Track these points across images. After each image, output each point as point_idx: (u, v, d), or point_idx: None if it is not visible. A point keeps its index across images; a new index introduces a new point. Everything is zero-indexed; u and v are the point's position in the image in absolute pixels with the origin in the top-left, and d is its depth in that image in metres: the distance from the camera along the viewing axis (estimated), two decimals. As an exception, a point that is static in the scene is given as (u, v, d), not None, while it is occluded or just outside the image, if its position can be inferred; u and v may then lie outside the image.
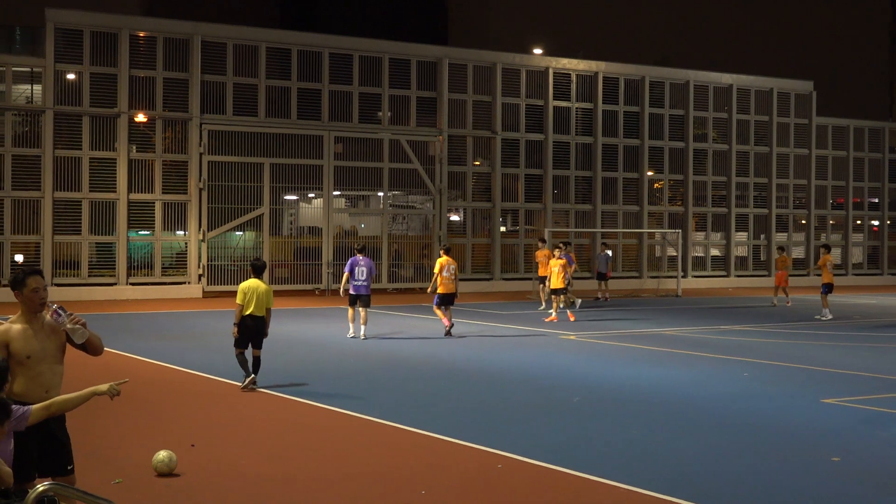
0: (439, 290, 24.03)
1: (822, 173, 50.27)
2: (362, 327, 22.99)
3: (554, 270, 28.23)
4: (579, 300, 31.79)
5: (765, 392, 16.13)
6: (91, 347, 7.85)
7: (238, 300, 15.97)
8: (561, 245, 29.93)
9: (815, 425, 13.39)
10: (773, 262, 40.23)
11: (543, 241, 32.76)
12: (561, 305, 28.31)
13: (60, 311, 7.64)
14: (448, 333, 23.72)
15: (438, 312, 24.16)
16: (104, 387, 7.33)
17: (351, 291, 23.03)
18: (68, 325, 7.65)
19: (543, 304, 31.35)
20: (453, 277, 24.32)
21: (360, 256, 23.19)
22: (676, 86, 46.46)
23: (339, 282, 23.85)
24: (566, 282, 28.40)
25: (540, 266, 31.83)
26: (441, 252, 24.80)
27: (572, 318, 27.90)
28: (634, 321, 28.46)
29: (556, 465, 10.90)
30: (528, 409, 14.46)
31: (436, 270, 24.14)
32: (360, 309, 22.98)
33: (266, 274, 18.16)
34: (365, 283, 22.91)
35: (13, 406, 7.02)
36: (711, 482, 10.39)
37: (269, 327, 16.25)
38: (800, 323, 28.50)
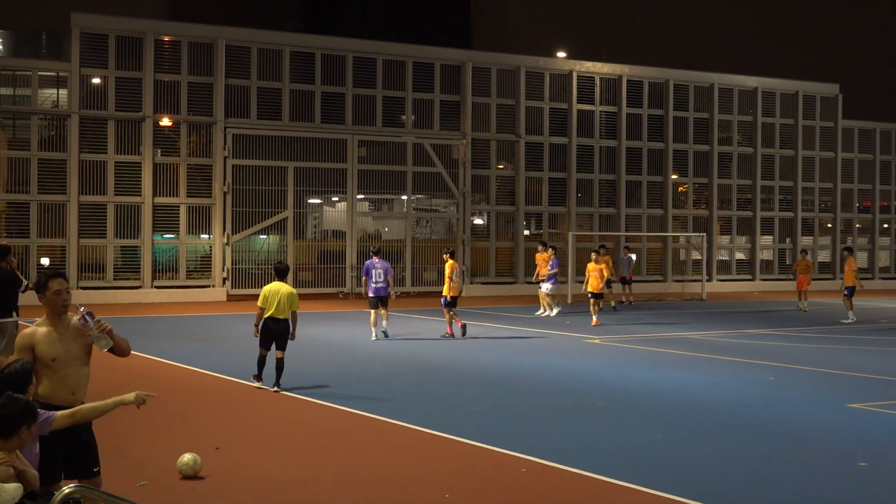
0: (452, 293, 24.31)
1: (849, 176, 49.98)
2: (384, 323, 23.47)
3: (594, 274, 28.12)
4: (557, 308, 31.25)
5: (790, 396, 16.03)
6: (118, 350, 7.89)
7: (259, 303, 16.10)
8: (601, 249, 31.31)
9: (841, 430, 13.29)
10: (794, 266, 39.87)
11: (545, 244, 32.70)
12: (600, 307, 28.08)
13: (88, 318, 7.68)
14: (464, 333, 24.00)
15: (449, 315, 24.30)
16: (130, 396, 7.36)
17: (370, 294, 23.39)
18: (95, 332, 7.69)
19: (543, 308, 31.24)
20: (458, 280, 25.03)
21: (375, 259, 23.64)
22: (701, 89, 46.29)
23: (363, 285, 24.06)
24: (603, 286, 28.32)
25: (539, 268, 31.66)
26: (447, 256, 24.99)
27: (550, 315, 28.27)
28: (659, 325, 28.36)
29: (580, 468, 10.86)
30: (551, 412, 14.43)
31: (448, 273, 24.30)
32: (382, 311, 23.43)
33: (290, 277, 18.19)
34: (383, 285, 23.33)
35: (39, 410, 7.05)
36: (735, 487, 10.33)
37: (296, 330, 16.28)
38: (825, 327, 28.32)
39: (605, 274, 29.20)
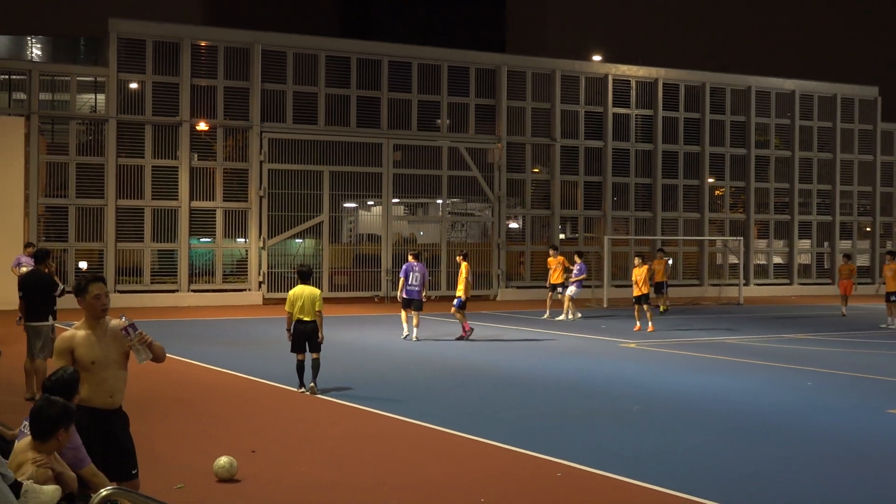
0: (466, 295, 24.98)
1: (888, 180, 49.50)
2: (415, 329, 24.10)
3: (639, 280, 27.67)
4: (578, 313, 31.23)
5: (828, 402, 15.90)
6: (154, 358, 7.95)
7: (286, 307, 16.22)
8: (659, 253, 32.93)
9: (881, 436, 13.16)
10: (837, 271, 39.56)
11: (556, 248, 32.67)
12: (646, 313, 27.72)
13: (130, 330, 7.75)
14: (469, 337, 24.49)
15: (460, 316, 24.78)
16: None
17: (404, 295, 24.22)
18: (136, 345, 7.76)
19: (548, 312, 31.19)
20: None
21: (414, 262, 24.36)
22: (738, 92, 46.03)
23: (399, 287, 24.49)
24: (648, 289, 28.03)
25: (551, 273, 31.59)
26: (461, 258, 25.59)
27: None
28: (695, 329, 28.20)
29: (616, 473, 10.81)
30: (587, 417, 14.37)
31: (467, 276, 24.78)
32: (413, 313, 24.11)
33: (324, 281, 18.20)
34: (417, 289, 24.11)
35: (79, 442, 7.13)
36: (773, 493, 10.25)
37: (324, 332, 16.28)
38: (864, 332, 28.07)
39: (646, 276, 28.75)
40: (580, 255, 32.06)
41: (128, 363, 7.92)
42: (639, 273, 27.62)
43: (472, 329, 24.74)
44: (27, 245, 25.04)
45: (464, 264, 25.39)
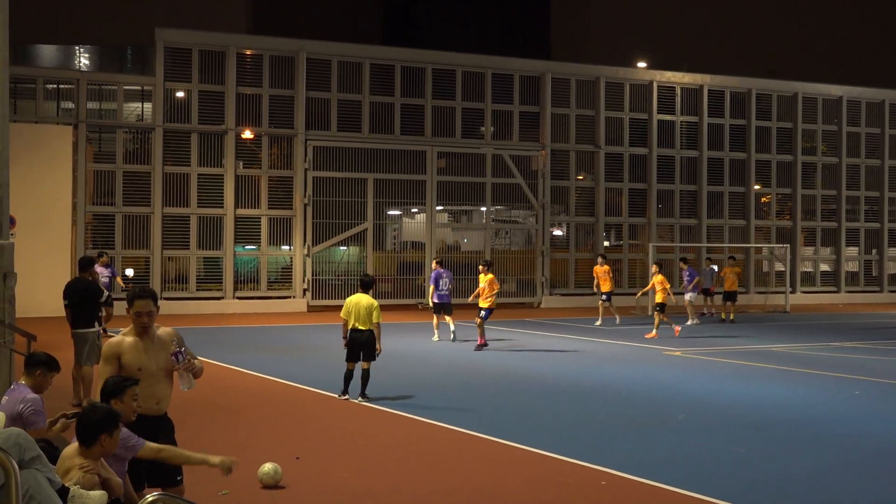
0: (493, 306, 24.28)
1: (937, 186, 48.90)
2: (453, 330, 25.30)
3: (658, 287, 28.06)
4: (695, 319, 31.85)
5: (877, 411, 15.71)
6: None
7: (342, 314, 16.23)
8: (730, 261, 33.86)
9: (931, 445, 12.99)
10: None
11: (604, 256, 32.95)
12: (664, 321, 27.89)
13: (179, 356, 7.83)
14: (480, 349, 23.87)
15: (482, 328, 24.07)
16: (217, 459, 7.53)
17: (435, 300, 25.54)
18: (182, 372, 7.85)
19: (601, 319, 31.34)
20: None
21: (441, 269, 25.69)
22: (784, 98, 45.67)
23: (429, 294, 25.59)
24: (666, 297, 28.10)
25: (599, 281, 31.62)
26: (485, 269, 24.59)
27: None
28: (741, 337, 27.99)
29: (660, 482, 10.74)
30: (631, 425, 14.29)
31: (495, 286, 24.36)
32: (446, 317, 25.45)
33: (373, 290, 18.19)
34: (447, 293, 25.52)
35: (126, 431, 7.17)
36: (818, 501, 10.14)
37: (380, 343, 16.27)
38: (913, 340, 27.75)
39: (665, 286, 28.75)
40: (685, 261, 33.22)
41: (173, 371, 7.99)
42: (659, 280, 28.13)
43: (486, 344, 23.97)
44: (99, 255, 25.97)
45: (490, 276, 24.32)
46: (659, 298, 27.80)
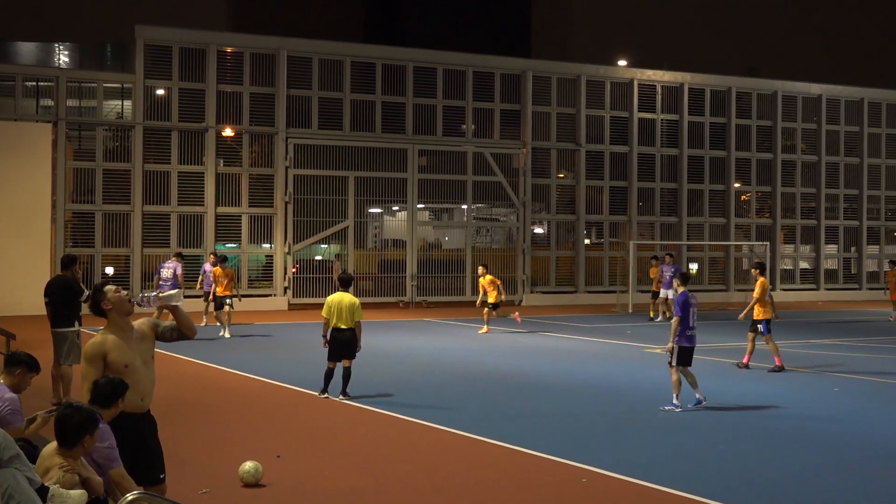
0: (499, 300, 27.95)
1: (915, 184, 49.20)
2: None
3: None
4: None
5: (855, 408, 15.80)
6: (185, 327, 7.99)
7: (323, 313, 16.13)
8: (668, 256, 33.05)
9: (910, 442, 13.07)
10: (885, 279, 38.97)
11: (662, 256, 33.16)
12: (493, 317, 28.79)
13: (148, 294, 7.81)
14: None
15: (490, 315, 27.71)
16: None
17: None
18: (163, 295, 7.80)
19: (659, 315, 32.04)
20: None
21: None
22: (764, 96, 45.84)
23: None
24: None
25: (655, 281, 32.62)
26: (484, 271, 28.08)
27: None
28: (721, 335, 28.07)
29: (641, 479, 10.77)
30: (613, 422, 14.33)
31: (497, 283, 26.72)
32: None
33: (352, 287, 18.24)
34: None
35: (111, 445, 7.17)
36: (800, 498, 10.19)
37: (361, 341, 16.28)
38: (891, 337, 27.88)
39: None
40: (671, 256, 33.42)
41: (154, 364, 7.97)
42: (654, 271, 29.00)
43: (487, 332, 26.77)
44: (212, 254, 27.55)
45: (489, 277, 27.79)
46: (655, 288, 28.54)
